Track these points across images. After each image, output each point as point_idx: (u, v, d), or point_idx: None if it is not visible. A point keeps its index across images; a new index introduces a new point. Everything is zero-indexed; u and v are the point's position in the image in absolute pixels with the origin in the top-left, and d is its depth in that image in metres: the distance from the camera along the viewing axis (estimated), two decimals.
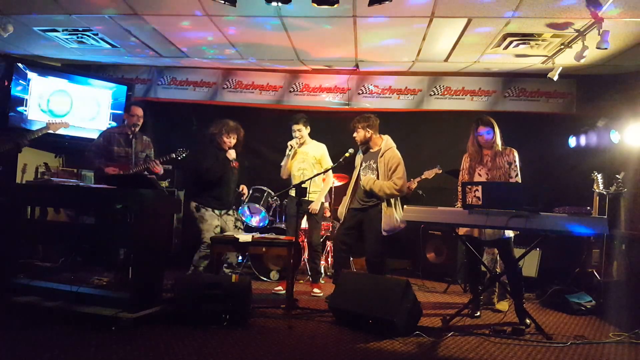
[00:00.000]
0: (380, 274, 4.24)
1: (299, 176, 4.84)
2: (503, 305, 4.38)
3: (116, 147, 4.64)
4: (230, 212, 4.71)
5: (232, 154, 4.60)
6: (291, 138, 4.93)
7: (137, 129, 4.64)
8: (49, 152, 6.20)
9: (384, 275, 4.29)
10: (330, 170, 4.93)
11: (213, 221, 4.46)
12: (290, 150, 4.88)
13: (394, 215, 4.28)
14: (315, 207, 4.84)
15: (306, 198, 4.70)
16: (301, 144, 4.93)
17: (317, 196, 4.91)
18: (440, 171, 5.63)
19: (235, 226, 4.71)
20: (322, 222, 5.20)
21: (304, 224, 5.17)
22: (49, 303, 3.44)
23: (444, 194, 5.45)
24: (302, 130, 4.89)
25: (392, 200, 4.32)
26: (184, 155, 4.79)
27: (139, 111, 4.69)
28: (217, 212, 4.54)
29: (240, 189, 4.80)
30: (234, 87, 6.59)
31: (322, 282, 5.40)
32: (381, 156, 4.35)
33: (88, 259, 5.33)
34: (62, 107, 5.93)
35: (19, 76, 5.58)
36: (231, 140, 4.58)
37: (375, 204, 4.31)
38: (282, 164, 4.97)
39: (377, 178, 4.36)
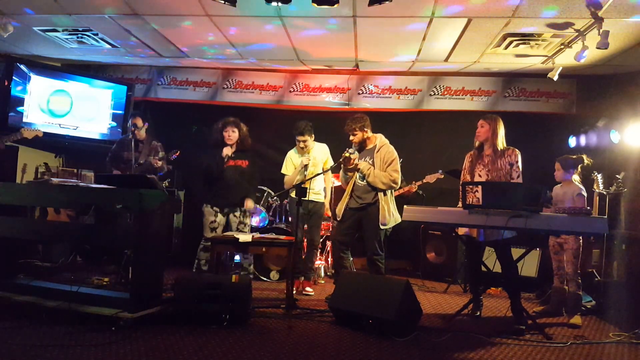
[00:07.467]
0: (381, 273, 4.24)
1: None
2: (577, 320, 4.04)
3: (126, 152, 5.00)
4: (238, 212, 4.74)
5: (225, 151, 4.65)
6: (292, 138, 4.91)
7: (139, 135, 4.99)
8: (49, 152, 6.20)
9: (384, 275, 4.29)
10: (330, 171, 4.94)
11: (210, 217, 4.68)
12: (306, 171, 4.81)
13: (389, 208, 4.27)
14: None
15: (306, 198, 4.71)
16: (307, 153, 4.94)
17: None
18: (442, 176, 5.66)
19: (238, 228, 4.73)
20: (322, 222, 5.20)
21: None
22: (49, 303, 3.43)
23: (445, 195, 5.45)
24: (307, 141, 4.87)
25: (388, 195, 4.31)
26: (175, 156, 5.11)
27: (137, 121, 5.01)
28: (216, 209, 4.69)
29: (245, 203, 4.72)
30: (234, 87, 6.59)
31: (322, 281, 5.42)
32: (377, 151, 4.33)
33: (88, 259, 5.35)
34: (62, 107, 5.92)
35: (19, 76, 5.57)
36: (229, 134, 4.68)
37: (373, 202, 4.30)
38: (289, 175, 4.95)
39: None
